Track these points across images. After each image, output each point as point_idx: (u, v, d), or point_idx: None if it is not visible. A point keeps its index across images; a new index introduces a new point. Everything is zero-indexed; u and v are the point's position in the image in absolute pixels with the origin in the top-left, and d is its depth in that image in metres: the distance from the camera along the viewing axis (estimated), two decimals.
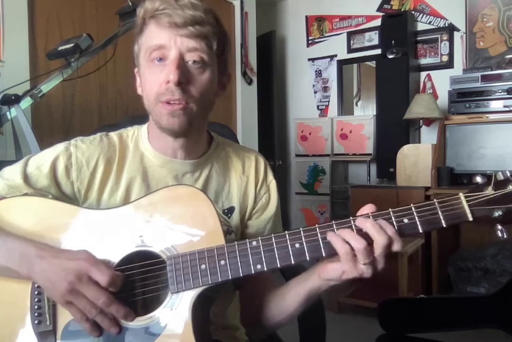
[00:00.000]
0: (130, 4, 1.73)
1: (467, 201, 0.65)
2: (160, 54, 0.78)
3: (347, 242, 0.67)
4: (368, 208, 0.70)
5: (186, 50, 0.77)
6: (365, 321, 2.47)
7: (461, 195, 0.66)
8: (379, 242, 0.65)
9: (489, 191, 0.65)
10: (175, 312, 0.70)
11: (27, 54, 2.20)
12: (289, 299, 0.83)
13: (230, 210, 0.90)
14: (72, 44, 1.68)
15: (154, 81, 0.78)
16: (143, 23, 0.81)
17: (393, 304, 1.48)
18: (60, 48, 1.72)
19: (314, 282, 0.77)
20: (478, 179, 0.68)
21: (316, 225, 0.69)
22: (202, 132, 0.90)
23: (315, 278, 0.76)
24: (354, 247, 0.66)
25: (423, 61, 3.42)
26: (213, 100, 0.85)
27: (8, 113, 1.68)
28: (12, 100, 1.64)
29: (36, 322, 0.73)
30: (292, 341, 1.11)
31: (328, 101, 3.93)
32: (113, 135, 0.90)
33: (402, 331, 1.45)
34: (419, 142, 3.36)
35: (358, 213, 0.70)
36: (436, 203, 0.66)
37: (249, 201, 0.92)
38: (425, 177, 2.83)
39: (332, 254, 0.68)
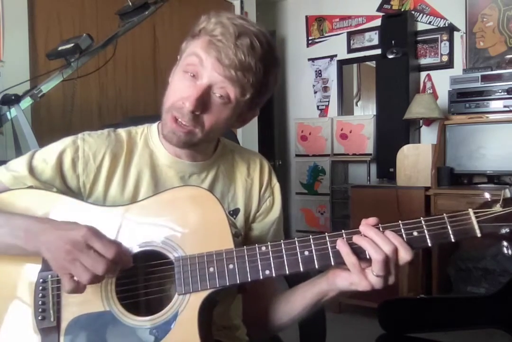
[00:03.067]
0: (130, 4, 1.73)
1: (476, 217, 0.66)
2: (194, 71, 0.77)
3: (356, 253, 0.67)
4: (372, 221, 0.70)
5: (217, 84, 0.76)
6: (365, 321, 2.47)
7: (471, 211, 0.67)
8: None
9: (498, 208, 0.66)
10: (181, 314, 0.70)
11: (27, 54, 2.20)
12: (294, 302, 0.83)
13: (236, 212, 0.91)
14: (72, 44, 1.69)
15: (178, 90, 0.79)
16: (199, 33, 0.79)
17: (393, 304, 1.48)
18: (60, 48, 1.72)
19: (322, 287, 0.77)
20: (487, 195, 0.69)
21: (326, 233, 0.69)
22: (210, 143, 0.90)
23: (324, 282, 0.76)
24: (371, 257, 0.66)
25: (423, 61, 3.42)
26: (225, 130, 0.87)
27: (8, 113, 1.68)
28: (12, 100, 1.64)
29: (40, 318, 0.73)
30: (292, 341, 1.11)
31: (328, 101, 3.93)
32: (121, 131, 0.90)
33: (402, 331, 1.45)
34: (419, 142, 3.36)
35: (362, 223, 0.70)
36: (446, 218, 0.67)
37: (253, 203, 0.93)
38: (425, 177, 2.83)
39: (342, 262, 0.69)
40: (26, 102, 1.69)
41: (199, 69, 0.77)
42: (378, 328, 1.41)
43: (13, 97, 1.64)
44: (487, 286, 2.60)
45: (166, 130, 0.81)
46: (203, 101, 0.76)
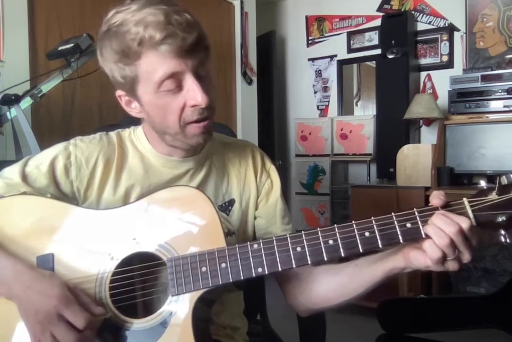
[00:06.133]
0: None
1: (471, 206, 0.65)
2: (174, 82, 0.74)
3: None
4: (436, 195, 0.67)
5: (197, 67, 0.75)
6: (365, 321, 2.46)
7: (465, 200, 0.65)
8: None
9: (493, 196, 0.64)
10: (175, 315, 0.70)
11: (27, 54, 2.20)
12: (360, 280, 0.77)
13: (231, 203, 0.91)
14: (72, 44, 1.68)
15: (173, 108, 0.76)
16: (136, 53, 0.73)
17: (393, 304, 1.48)
18: (60, 48, 1.72)
19: (397, 264, 0.71)
20: (482, 183, 0.67)
21: (318, 228, 0.68)
22: None
23: (400, 259, 0.70)
24: (436, 242, 0.63)
25: (423, 61, 3.42)
26: None
27: (8, 113, 1.68)
28: (12, 100, 1.64)
29: None
30: (292, 341, 1.11)
31: (328, 101, 3.92)
32: (113, 134, 0.90)
33: (402, 331, 1.45)
34: (419, 142, 3.35)
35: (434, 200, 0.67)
36: (440, 208, 0.66)
37: (251, 192, 0.93)
38: (425, 177, 2.82)
39: (335, 257, 0.67)
40: (26, 102, 1.69)
41: (176, 76, 0.74)
42: (378, 328, 1.41)
43: (13, 97, 1.64)
44: (487, 286, 2.61)
45: (197, 138, 0.79)
46: (204, 88, 0.76)
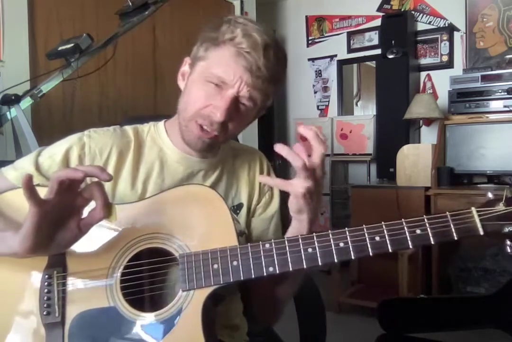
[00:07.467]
0: (130, 4, 1.74)
1: (479, 216, 0.67)
2: (220, 81, 0.79)
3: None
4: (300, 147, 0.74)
5: (246, 95, 0.79)
6: (365, 321, 2.47)
7: (473, 209, 0.68)
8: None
9: (501, 207, 0.67)
10: (185, 310, 0.71)
11: (27, 54, 2.20)
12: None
13: (239, 207, 0.93)
14: (72, 44, 1.69)
15: (201, 98, 0.80)
16: (222, 42, 0.79)
17: (393, 304, 1.48)
18: (60, 48, 1.72)
19: (294, 229, 0.80)
20: (490, 195, 0.69)
21: (329, 231, 0.70)
22: None
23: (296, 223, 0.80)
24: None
25: (423, 61, 3.42)
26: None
27: (8, 113, 1.68)
28: (12, 100, 1.64)
29: (44, 313, 0.73)
30: (292, 341, 1.11)
31: (328, 101, 3.93)
32: (128, 128, 0.92)
33: (402, 331, 1.45)
34: (419, 142, 3.36)
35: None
36: (449, 216, 0.68)
37: (254, 196, 0.95)
38: (425, 177, 2.83)
39: (345, 261, 0.69)
40: (26, 102, 1.69)
41: (227, 80, 0.78)
42: (378, 328, 1.41)
43: (13, 97, 1.65)
44: (487, 286, 2.60)
45: (191, 137, 0.83)
46: (230, 112, 0.79)
